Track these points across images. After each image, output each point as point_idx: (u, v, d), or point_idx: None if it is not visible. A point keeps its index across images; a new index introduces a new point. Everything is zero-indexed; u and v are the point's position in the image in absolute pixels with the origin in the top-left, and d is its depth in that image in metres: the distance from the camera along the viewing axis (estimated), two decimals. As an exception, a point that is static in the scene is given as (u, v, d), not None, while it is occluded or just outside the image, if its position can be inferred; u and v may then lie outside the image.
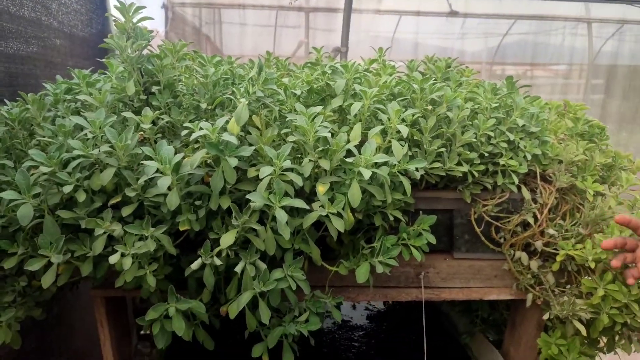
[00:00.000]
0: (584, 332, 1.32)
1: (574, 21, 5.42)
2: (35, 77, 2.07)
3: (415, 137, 1.31)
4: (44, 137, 1.30)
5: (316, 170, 1.18)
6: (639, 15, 5.15)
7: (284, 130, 1.22)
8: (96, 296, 1.48)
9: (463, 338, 1.95)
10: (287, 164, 1.10)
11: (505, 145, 1.35)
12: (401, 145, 1.19)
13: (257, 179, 1.12)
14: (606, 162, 1.50)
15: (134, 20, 1.29)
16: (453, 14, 5.30)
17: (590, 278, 1.39)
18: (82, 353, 2.22)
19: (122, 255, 1.11)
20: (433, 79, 1.62)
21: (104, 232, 1.13)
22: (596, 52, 5.61)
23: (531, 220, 1.45)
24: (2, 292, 1.25)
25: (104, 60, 1.48)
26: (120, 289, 1.42)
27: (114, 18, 1.33)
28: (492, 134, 1.34)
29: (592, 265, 1.33)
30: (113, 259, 1.10)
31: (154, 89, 1.34)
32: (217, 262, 1.12)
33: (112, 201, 1.17)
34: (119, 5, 1.28)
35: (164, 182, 1.06)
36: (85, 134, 1.16)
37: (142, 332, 2.13)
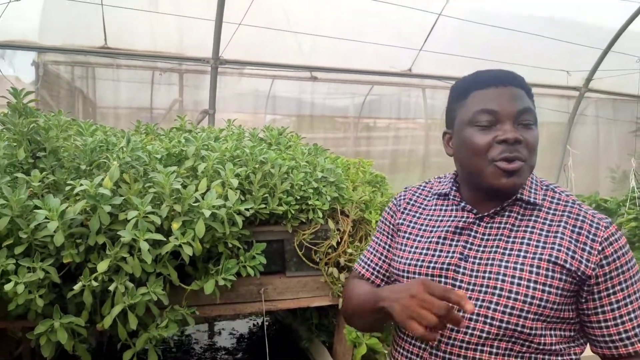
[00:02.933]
0: (368, 318, 1.91)
1: (414, 86, 6.56)
2: None
3: (247, 187, 1.83)
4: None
5: (172, 212, 1.64)
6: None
7: (147, 185, 1.67)
8: (-19, 329, 1.73)
9: (303, 344, 2.46)
10: (149, 208, 1.55)
11: (312, 191, 1.93)
12: (234, 193, 1.70)
13: (126, 221, 1.54)
14: (386, 200, 2.16)
15: (25, 101, 1.66)
16: (313, 78, 6.10)
17: (375, 281, 2.00)
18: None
19: (16, 283, 1.44)
20: (268, 143, 2.19)
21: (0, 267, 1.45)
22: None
23: (336, 244, 2.03)
24: None
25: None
26: (3, 319, 1.70)
27: (7, 100, 1.68)
28: (302, 183, 1.92)
29: (373, 271, 1.94)
30: (8, 287, 1.43)
31: (41, 154, 1.70)
32: (94, 283, 1.50)
33: (6, 242, 1.50)
34: (11, 90, 1.65)
35: (52, 226, 1.44)
36: (-16, 191, 1.49)
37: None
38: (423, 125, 6.86)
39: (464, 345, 1.03)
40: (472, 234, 1.09)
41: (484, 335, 1.01)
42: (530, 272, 0.99)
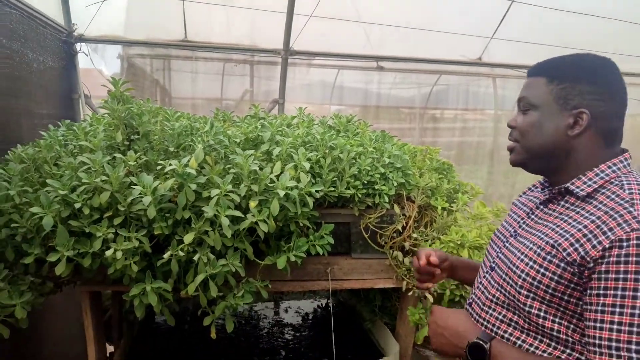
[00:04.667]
0: (431, 301, 1.96)
1: (484, 76, 6.39)
2: (19, 125, 2.56)
3: (317, 171, 1.93)
4: (50, 171, 1.82)
5: (249, 192, 1.77)
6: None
7: (227, 166, 1.81)
8: (83, 291, 1.96)
9: (366, 324, 2.54)
10: (229, 187, 1.69)
11: (378, 176, 2.00)
12: (306, 175, 1.81)
13: (209, 199, 1.69)
14: (453, 187, 2.19)
15: (122, 89, 1.86)
16: (379, 68, 6.11)
17: (439, 266, 2.03)
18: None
19: (115, 250, 1.63)
20: (336, 130, 2.27)
21: (102, 235, 1.65)
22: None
23: (401, 228, 2.09)
24: (21, 283, 1.72)
25: (92, 117, 2.03)
26: (102, 283, 1.93)
27: (107, 88, 1.88)
28: (369, 168, 1.99)
29: (438, 256, 1.98)
30: (109, 252, 1.62)
31: (134, 137, 1.89)
32: (181, 253, 1.67)
33: (107, 214, 1.70)
34: (111, 79, 1.85)
35: (146, 200, 1.61)
36: (89, 168, 1.69)
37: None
38: (492, 116, 6.66)
39: (481, 305, 1.20)
40: (532, 216, 1.20)
41: (494, 299, 1.16)
42: (534, 251, 1.06)
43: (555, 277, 1.00)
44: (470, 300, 1.27)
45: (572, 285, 0.99)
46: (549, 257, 1.02)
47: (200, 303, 1.80)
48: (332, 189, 1.93)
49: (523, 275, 1.06)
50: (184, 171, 1.67)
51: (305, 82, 5.75)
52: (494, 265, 1.22)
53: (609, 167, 1.06)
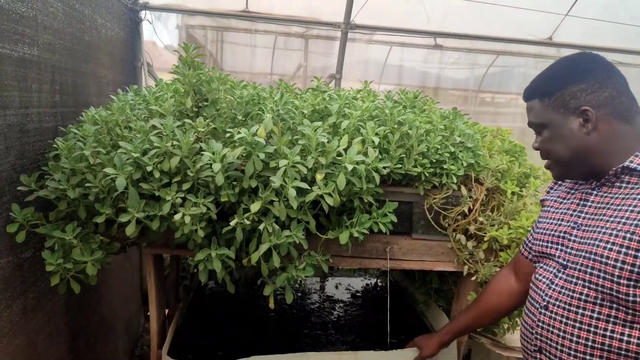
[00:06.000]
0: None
1: (551, 58, 6.06)
2: (88, 89, 2.62)
3: (385, 147, 1.87)
4: (122, 134, 1.85)
5: (316, 164, 1.74)
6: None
7: (295, 137, 1.78)
8: (147, 253, 2.01)
9: (420, 307, 2.49)
10: (297, 159, 1.66)
11: (448, 155, 1.92)
12: (374, 150, 1.76)
13: (276, 169, 1.67)
14: (524, 171, 2.08)
15: (193, 54, 1.85)
16: (438, 47, 5.91)
17: (505, 252, 1.95)
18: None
19: (183, 215, 1.65)
20: (402, 106, 2.20)
21: (170, 199, 1.67)
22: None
23: (467, 211, 2.01)
24: (92, 242, 1.78)
25: (160, 83, 2.04)
26: (165, 247, 1.96)
27: (178, 54, 1.88)
28: (439, 146, 1.91)
29: (505, 242, 1.90)
30: (177, 217, 1.64)
31: (203, 104, 1.89)
32: (247, 222, 1.66)
33: (176, 179, 1.71)
34: (183, 45, 1.84)
35: (216, 167, 1.61)
36: (160, 133, 1.71)
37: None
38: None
39: (566, 306, 1.15)
40: (588, 203, 1.18)
41: (583, 297, 1.10)
42: (624, 237, 1.02)
43: None
44: (545, 303, 1.21)
45: None
46: None
47: (254, 273, 1.81)
48: (399, 165, 1.87)
49: (619, 265, 1.02)
50: (253, 140, 1.66)
51: (362, 58, 5.63)
52: (565, 262, 1.19)
53: None
